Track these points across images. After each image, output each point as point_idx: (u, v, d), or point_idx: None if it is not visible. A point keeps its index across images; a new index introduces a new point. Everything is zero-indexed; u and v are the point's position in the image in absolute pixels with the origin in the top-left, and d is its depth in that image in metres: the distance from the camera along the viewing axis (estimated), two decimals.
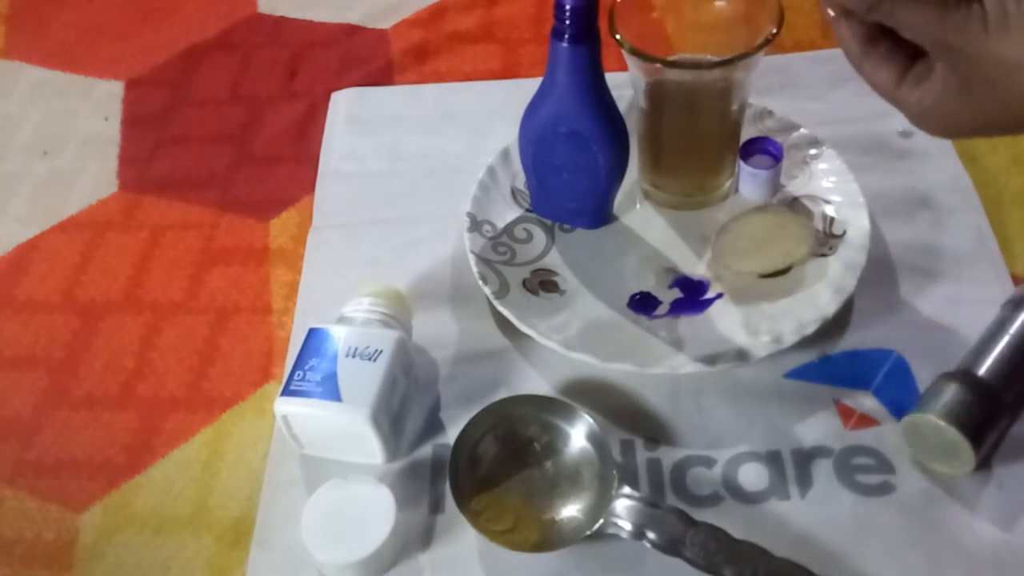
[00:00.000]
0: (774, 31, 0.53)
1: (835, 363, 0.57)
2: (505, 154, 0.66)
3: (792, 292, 0.58)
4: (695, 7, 0.60)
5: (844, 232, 0.60)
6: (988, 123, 0.38)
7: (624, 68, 0.58)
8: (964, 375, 0.52)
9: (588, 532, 0.48)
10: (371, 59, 0.83)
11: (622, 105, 0.58)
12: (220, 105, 0.81)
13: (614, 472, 0.50)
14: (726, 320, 0.57)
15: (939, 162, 0.67)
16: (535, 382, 0.57)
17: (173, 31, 0.89)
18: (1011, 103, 0.36)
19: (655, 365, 0.54)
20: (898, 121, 0.57)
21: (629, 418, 0.55)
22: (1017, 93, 0.35)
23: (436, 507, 0.52)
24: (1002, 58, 0.35)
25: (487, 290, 0.58)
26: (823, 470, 0.52)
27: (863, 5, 0.36)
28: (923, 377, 0.55)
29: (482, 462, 0.52)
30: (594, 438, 0.52)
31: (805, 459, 0.53)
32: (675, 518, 0.48)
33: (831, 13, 0.39)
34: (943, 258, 0.61)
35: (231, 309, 0.64)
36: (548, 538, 0.49)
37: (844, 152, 0.64)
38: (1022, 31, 0.34)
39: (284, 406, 0.51)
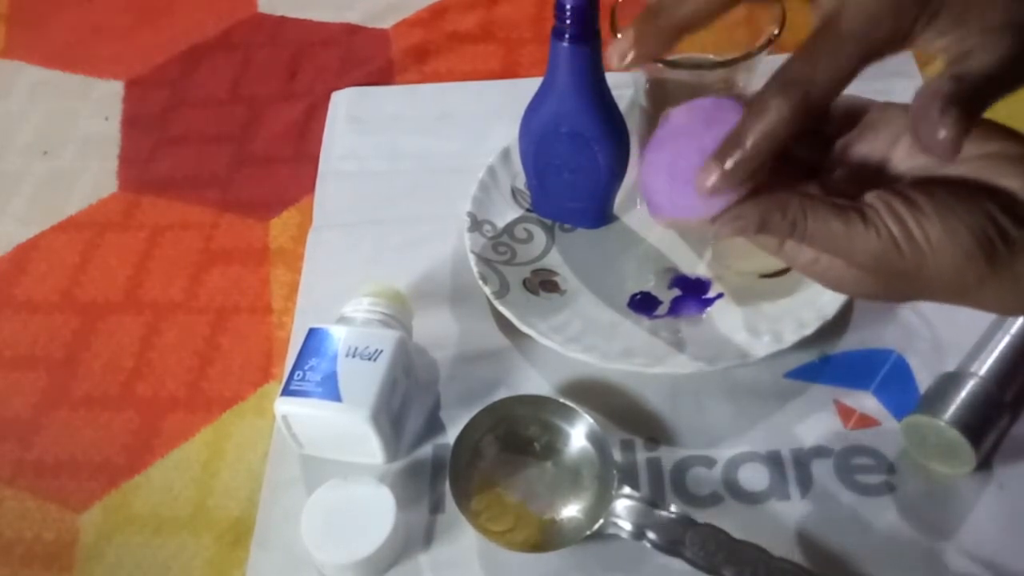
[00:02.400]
0: (776, 32, 0.53)
1: (835, 363, 0.57)
2: (505, 154, 0.66)
3: (792, 292, 0.58)
4: None
5: None
6: (886, 293, 0.38)
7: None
8: (964, 375, 0.52)
9: (588, 532, 0.48)
10: (371, 59, 0.83)
11: (623, 105, 0.58)
12: (220, 105, 0.81)
13: (614, 472, 0.50)
14: (726, 320, 0.57)
15: None
16: (535, 382, 0.57)
17: (173, 31, 0.89)
18: (919, 288, 0.36)
19: (655, 365, 0.54)
20: None
21: (629, 418, 0.55)
22: (925, 278, 0.35)
23: (436, 507, 0.52)
24: (920, 273, 0.35)
25: (487, 290, 0.58)
26: (823, 470, 0.52)
27: (787, 230, 0.36)
28: (923, 377, 0.55)
29: (482, 462, 0.52)
30: (594, 438, 0.52)
31: (805, 459, 0.53)
32: (675, 518, 0.48)
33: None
34: None
35: (231, 309, 0.64)
36: (548, 538, 0.49)
37: None
38: (937, 254, 0.34)
39: (284, 406, 0.51)
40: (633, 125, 0.60)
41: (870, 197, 0.36)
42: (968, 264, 0.34)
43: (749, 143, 0.35)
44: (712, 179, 0.36)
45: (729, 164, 0.36)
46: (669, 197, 0.39)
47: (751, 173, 0.36)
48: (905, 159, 0.38)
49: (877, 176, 0.39)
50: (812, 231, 0.36)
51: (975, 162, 0.36)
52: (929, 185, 0.35)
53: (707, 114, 0.39)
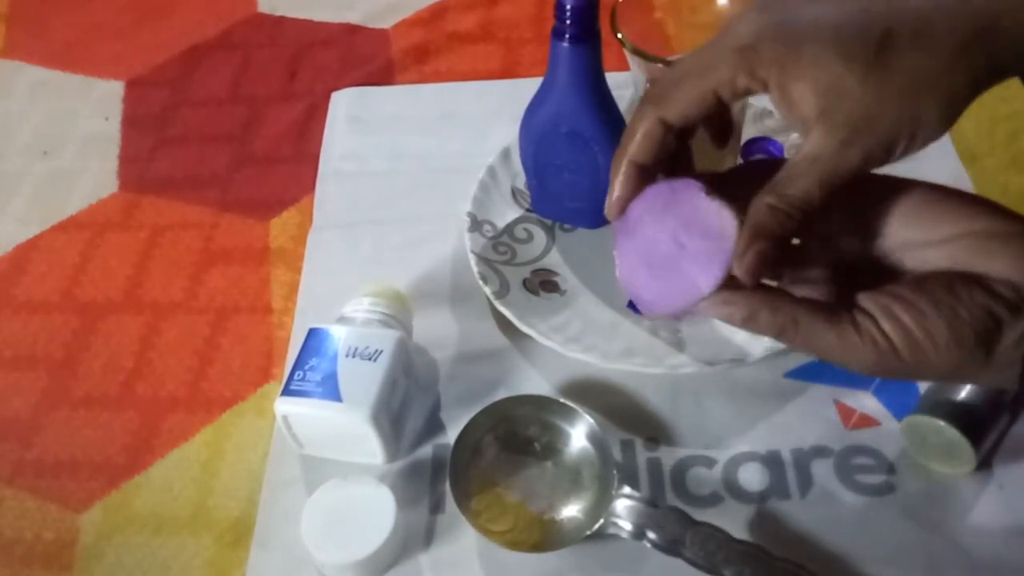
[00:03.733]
0: None
1: None
2: (505, 154, 0.66)
3: None
4: (696, 7, 0.60)
5: None
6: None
7: (625, 68, 0.58)
8: None
9: (588, 532, 0.48)
10: (371, 59, 0.83)
11: (622, 105, 0.58)
12: (220, 105, 0.81)
13: (614, 472, 0.50)
14: None
15: (938, 162, 0.67)
16: (535, 382, 0.57)
17: (173, 31, 0.89)
18: (912, 376, 0.37)
19: (655, 365, 0.54)
20: None
21: (629, 418, 0.55)
22: (923, 373, 0.36)
23: (436, 507, 0.52)
24: (918, 371, 0.36)
25: (487, 290, 0.58)
26: (823, 470, 0.52)
27: (774, 332, 0.37)
28: None
29: (482, 462, 0.52)
30: (594, 438, 0.52)
31: (805, 459, 0.53)
32: (675, 518, 0.48)
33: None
34: None
35: (231, 309, 0.64)
36: (548, 538, 0.49)
37: None
38: (941, 356, 0.35)
39: (284, 406, 0.51)
40: None
41: (864, 301, 0.36)
42: (971, 359, 0.35)
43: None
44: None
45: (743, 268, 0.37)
46: (655, 291, 0.39)
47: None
48: (899, 231, 0.38)
49: (869, 250, 0.39)
50: (802, 340, 0.36)
51: (962, 241, 0.36)
52: (923, 283, 0.36)
53: (665, 199, 0.39)
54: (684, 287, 0.37)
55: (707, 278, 0.37)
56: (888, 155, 0.37)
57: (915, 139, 0.37)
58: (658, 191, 0.39)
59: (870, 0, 0.36)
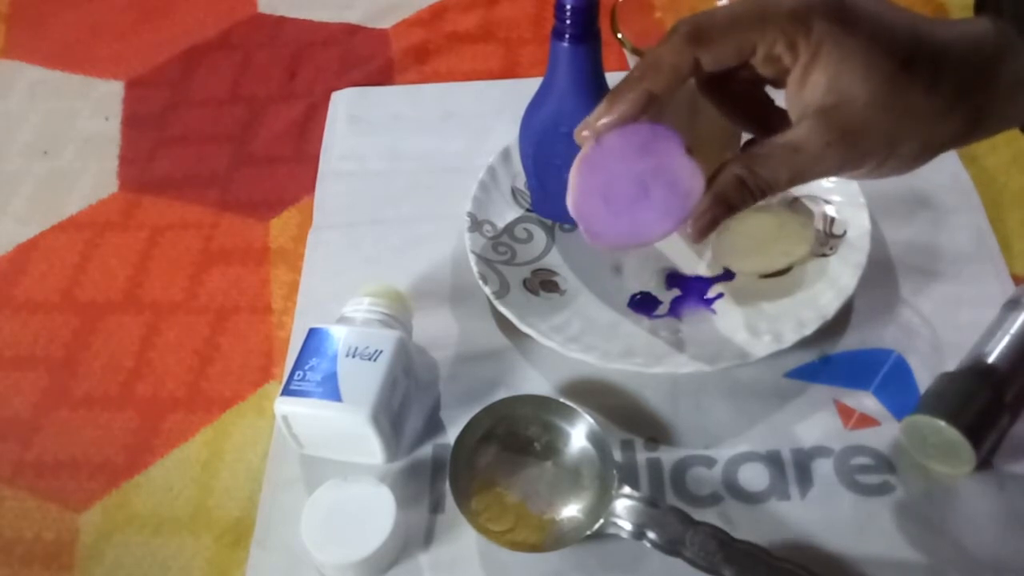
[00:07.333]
0: None
1: (835, 363, 0.57)
2: (505, 154, 0.66)
3: (792, 292, 0.58)
4: (695, 7, 0.60)
5: (844, 232, 0.60)
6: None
7: (625, 68, 0.58)
8: (964, 375, 0.52)
9: (588, 532, 0.48)
10: (371, 59, 0.83)
11: None
12: (220, 105, 0.81)
13: (614, 472, 0.50)
14: (726, 320, 0.57)
15: (939, 162, 0.65)
16: (535, 382, 0.57)
17: (173, 31, 0.89)
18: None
19: (655, 365, 0.54)
20: None
21: (629, 418, 0.55)
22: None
23: (436, 507, 0.52)
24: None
25: (487, 290, 0.58)
26: (823, 470, 0.52)
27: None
28: (923, 377, 0.55)
29: (482, 462, 0.52)
30: (594, 438, 0.52)
31: (805, 459, 0.53)
32: (675, 518, 0.48)
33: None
34: (943, 258, 0.61)
35: (231, 309, 0.64)
36: (548, 538, 0.49)
37: None
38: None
39: (284, 406, 0.51)
40: None
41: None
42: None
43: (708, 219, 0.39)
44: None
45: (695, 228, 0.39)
46: (606, 223, 0.39)
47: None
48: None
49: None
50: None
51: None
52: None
53: (643, 141, 0.39)
54: (636, 229, 0.39)
55: (660, 227, 0.38)
56: (855, 170, 0.38)
57: (883, 166, 0.38)
58: (638, 129, 0.39)
59: (917, 18, 0.37)
